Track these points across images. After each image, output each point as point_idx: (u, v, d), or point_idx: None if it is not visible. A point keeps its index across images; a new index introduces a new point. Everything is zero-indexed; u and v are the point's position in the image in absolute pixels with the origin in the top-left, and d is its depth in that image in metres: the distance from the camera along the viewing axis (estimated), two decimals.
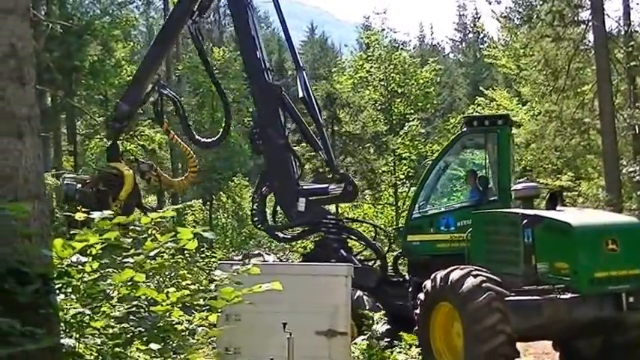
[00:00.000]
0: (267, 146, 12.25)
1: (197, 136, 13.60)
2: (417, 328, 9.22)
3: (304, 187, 12.42)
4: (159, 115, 13.00)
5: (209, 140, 13.84)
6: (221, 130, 13.83)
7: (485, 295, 8.31)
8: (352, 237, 12.07)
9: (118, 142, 13.04)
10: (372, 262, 11.87)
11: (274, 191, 12.16)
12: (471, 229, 10.15)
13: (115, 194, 11.38)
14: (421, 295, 9.31)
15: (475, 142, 11.43)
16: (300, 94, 12.43)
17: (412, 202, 11.20)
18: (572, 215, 9.42)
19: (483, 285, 8.44)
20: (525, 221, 9.08)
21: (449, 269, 8.98)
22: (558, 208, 9.43)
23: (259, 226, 12.36)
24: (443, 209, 11.14)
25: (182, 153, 13.26)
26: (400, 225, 11.67)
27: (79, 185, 11.37)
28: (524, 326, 8.53)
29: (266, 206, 12.42)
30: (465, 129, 11.26)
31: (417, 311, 9.25)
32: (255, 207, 12.25)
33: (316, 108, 12.55)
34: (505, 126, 10.91)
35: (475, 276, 8.53)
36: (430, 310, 9.03)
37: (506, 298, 8.47)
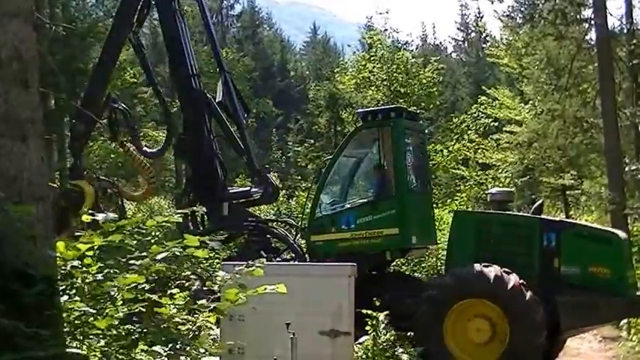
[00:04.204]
0: (192, 151, 12.33)
1: (144, 147, 13.72)
2: (418, 322, 9.31)
3: (229, 192, 12.41)
4: (113, 129, 13.03)
5: (153, 150, 13.95)
6: (164, 139, 13.83)
7: (530, 294, 8.90)
8: (275, 237, 11.93)
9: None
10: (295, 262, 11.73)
11: (199, 196, 12.14)
12: (453, 228, 10.28)
13: (76, 211, 11.50)
14: (434, 292, 9.34)
15: (370, 136, 11.08)
16: (218, 98, 12.35)
17: (314, 201, 10.99)
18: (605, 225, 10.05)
19: (522, 282, 9.00)
20: (547, 226, 9.66)
21: (475, 266, 9.18)
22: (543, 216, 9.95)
23: (184, 231, 12.21)
24: (342, 207, 10.86)
25: (137, 166, 13.25)
26: (304, 225, 11.35)
27: None
28: (578, 324, 9.37)
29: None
30: (360, 124, 11.10)
31: (425, 308, 9.32)
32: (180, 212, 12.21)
33: (239, 111, 12.42)
34: (399, 119, 10.64)
35: (508, 273, 9.07)
36: (448, 306, 9.21)
37: (557, 297, 9.08)
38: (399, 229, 10.27)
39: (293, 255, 11.22)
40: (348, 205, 10.87)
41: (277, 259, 11.07)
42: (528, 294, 8.91)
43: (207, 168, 12.21)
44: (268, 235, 11.84)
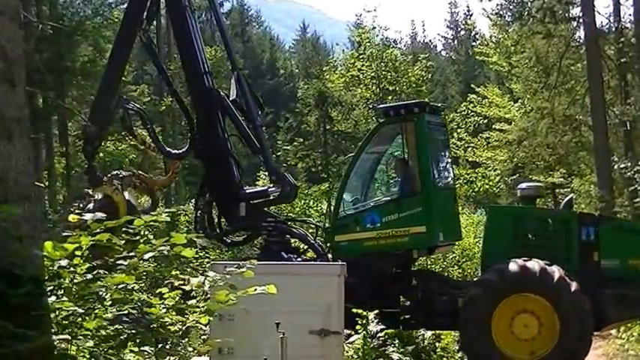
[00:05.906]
0: (207, 151, 12.11)
1: (166, 148, 13.50)
2: (466, 324, 9.23)
3: (247, 192, 12.19)
4: (129, 130, 12.87)
5: (178, 151, 13.78)
6: (189, 140, 13.62)
7: (575, 284, 8.95)
8: (294, 238, 11.64)
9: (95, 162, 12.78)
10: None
11: (216, 197, 12.00)
12: (488, 224, 10.26)
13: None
14: (477, 290, 9.32)
15: (393, 132, 10.84)
16: (232, 96, 12.14)
17: (337, 200, 10.74)
18: None
19: (566, 275, 9.03)
20: (585, 220, 9.92)
21: (517, 261, 9.18)
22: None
23: (201, 233, 12.04)
24: (367, 206, 10.61)
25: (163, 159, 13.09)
26: (327, 225, 11.10)
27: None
28: (625, 317, 9.66)
29: (211, 212, 12.24)
30: (382, 120, 10.90)
31: (471, 307, 9.21)
32: (198, 214, 12.11)
33: (253, 109, 12.31)
34: (422, 113, 10.37)
35: (550, 265, 9.10)
36: (495, 304, 9.11)
37: (605, 290, 9.26)
38: (427, 227, 10.03)
39: (314, 255, 11.08)
40: (373, 204, 10.64)
41: (298, 259, 10.98)
42: (574, 284, 8.93)
43: (222, 167, 11.97)
44: (287, 236, 11.69)
